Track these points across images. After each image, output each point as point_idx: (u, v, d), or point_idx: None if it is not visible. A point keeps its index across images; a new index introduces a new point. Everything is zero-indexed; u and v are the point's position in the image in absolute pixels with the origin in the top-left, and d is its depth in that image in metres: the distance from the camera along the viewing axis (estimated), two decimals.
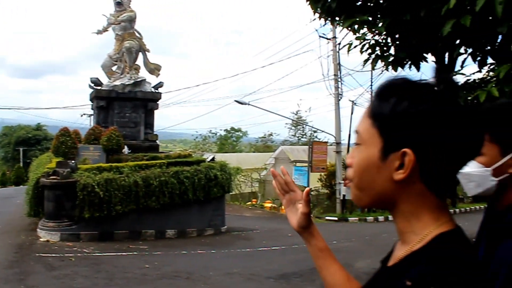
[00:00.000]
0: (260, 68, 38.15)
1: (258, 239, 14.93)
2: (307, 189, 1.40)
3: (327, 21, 8.20)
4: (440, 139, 0.94)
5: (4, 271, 8.99)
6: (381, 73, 21.39)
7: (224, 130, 59.20)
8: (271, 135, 51.81)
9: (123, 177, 13.22)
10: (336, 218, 22.21)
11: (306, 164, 24.16)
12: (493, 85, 4.43)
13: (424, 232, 0.97)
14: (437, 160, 0.95)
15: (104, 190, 12.66)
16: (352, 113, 24.34)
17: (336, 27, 19.20)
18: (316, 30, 23.10)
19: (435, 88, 0.98)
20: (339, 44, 22.05)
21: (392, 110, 0.97)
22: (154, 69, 18.95)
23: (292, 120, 43.18)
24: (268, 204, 27.15)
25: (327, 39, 23.33)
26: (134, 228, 13.67)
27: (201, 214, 15.31)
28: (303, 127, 46.62)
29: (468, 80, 5.82)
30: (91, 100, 18.65)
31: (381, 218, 22.01)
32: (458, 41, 5.86)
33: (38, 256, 10.34)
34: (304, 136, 46.64)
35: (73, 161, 13.69)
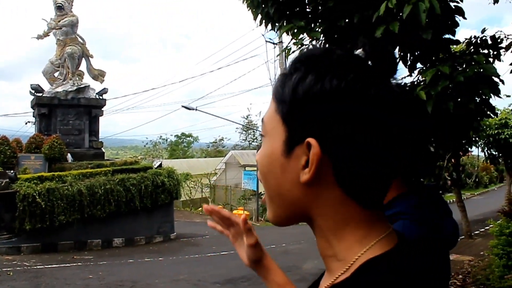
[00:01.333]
0: (209, 72, 38.09)
1: (207, 244, 14.87)
2: (243, 216, 1.15)
3: (268, 26, 8.28)
4: (358, 127, 0.68)
5: None
6: None
7: (175, 135, 58.79)
8: (222, 140, 51.76)
9: (67, 186, 12.90)
10: None
11: (255, 168, 24.27)
12: (421, 88, 4.59)
13: (349, 257, 0.72)
14: (354, 156, 0.69)
15: (46, 200, 12.31)
16: None
17: (276, 32, 19.39)
18: (263, 35, 23.27)
19: (364, 62, 0.74)
20: (286, 48, 22.22)
21: (294, 88, 0.72)
22: (98, 75, 18.61)
23: (242, 125, 43.32)
24: None
25: (274, 43, 23.53)
26: (79, 238, 13.35)
27: (149, 222, 15.12)
28: (253, 131, 46.83)
29: (400, 83, 6.00)
30: (32, 107, 18.11)
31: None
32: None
33: None
34: (255, 140, 46.86)
35: (12, 171, 13.24)
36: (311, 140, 0.69)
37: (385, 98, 0.70)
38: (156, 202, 14.89)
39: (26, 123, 50.01)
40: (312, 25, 7.03)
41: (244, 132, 47.22)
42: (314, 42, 7.18)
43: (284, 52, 6.99)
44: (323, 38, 7.00)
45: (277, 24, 7.87)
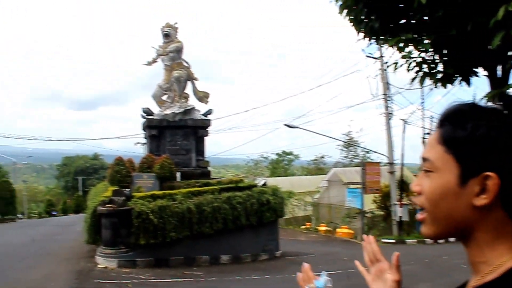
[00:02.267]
0: (308, 90, 38.10)
1: (313, 263, 14.33)
2: (396, 253, 1.30)
3: (372, 41, 8.13)
4: None
5: None
6: (431, 90, 20.97)
7: (276, 154, 59.29)
8: (323, 157, 51.36)
9: (177, 204, 13.39)
10: (393, 241, 21.58)
11: (360, 186, 23.73)
12: None
13: (498, 262, 0.92)
14: None
15: (158, 217, 12.86)
16: (404, 132, 23.76)
17: (381, 47, 18.99)
18: (363, 50, 22.92)
19: (504, 112, 0.97)
20: (386, 63, 21.76)
21: (470, 135, 0.94)
22: (203, 97, 19.31)
23: (343, 141, 42.69)
24: (322, 228, 26.79)
25: (374, 58, 23.10)
26: (188, 254, 13.77)
27: (255, 239, 15.27)
28: (355, 148, 46.01)
29: None
30: (143, 129, 19.17)
31: (440, 240, 21.27)
32: (510, 53, 5.67)
33: (96, 283, 10.58)
34: (357, 157, 45.98)
35: (128, 189, 14.02)
36: (491, 173, 0.91)
37: None
38: (262, 220, 15.02)
39: (135, 144, 53.03)
40: (421, 36, 6.80)
41: (345, 149, 46.56)
42: (423, 55, 6.95)
43: (389, 66, 6.81)
44: (432, 50, 6.74)
45: (381, 38, 7.71)
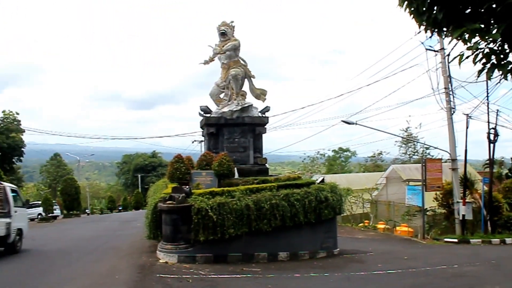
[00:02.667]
0: (365, 86, 37.41)
1: (373, 262, 14.46)
2: None
3: (434, 33, 7.86)
4: None
5: None
6: (499, 82, 20.09)
7: (332, 150, 58.90)
8: (380, 154, 50.54)
9: (235, 201, 13.50)
10: (456, 240, 20.93)
11: (420, 183, 23.14)
12: None
13: None
14: None
15: (217, 213, 13.00)
16: (467, 127, 22.90)
17: (444, 38, 18.29)
18: (422, 43, 22.29)
19: None
20: (448, 55, 21.01)
21: None
22: (260, 94, 19.35)
23: (402, 137, 41.76)
24: (381, 226, 26.36)
25: (435, 51, 22.42)
26: (246, 251, 13.85)
27: (313, 237, 15.19)
28: (414, 145, 44.93)
29: None
30: (201, 127, 19.44)
31: (508, 240, 20.41)
32: None
33: (158, 277, 10.81)
34: (416, 154, 44.92)
35: (187, 186, 14.26)
36: None
37: None
38: (320, 217, 14.90)
39: (192, 142, 54.02)
40: (489, 26, 6.49)
41: (404, 145, 45.58)
42: (491, 45, 6.65)
43: (456, 59, 6.56)
44: (500, 40, 6.43)
45: (444, 29, 7.44)
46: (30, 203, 22.49)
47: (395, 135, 36.66)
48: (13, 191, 16.26)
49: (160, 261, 13.06)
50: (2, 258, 14.07)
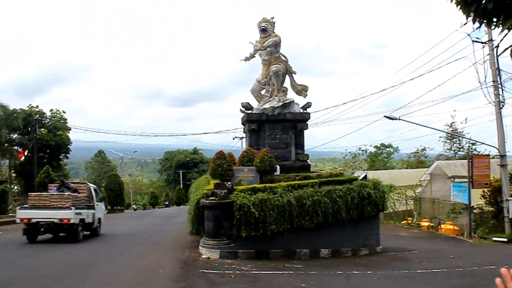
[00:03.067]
0: (408, 81, 36.57)
1: (417, 260, 14.19)
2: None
3: (482, 24, 7.62)
4: None
5: (173, 285, 9.74)
6: None
7: (374, 146, 58.04)
8: (424, 150, 49.39)
9: (277, 197, 13.50)
10: (505, 239, 20.25)
11: (466, 180, 22.52)
12: None
13: None
14: None
15: (259, 210, 13.04)
16: None
17: (493, 30, 17.67)
18: (468, 35, 21.64)
19: None
20: (497, 47, 20.24)
21: None
22: (301, 90, 19.25)
23: (447, 133, 40.75)
24: (425, 223, 25.85)
25: (482, 43, 21.74)
26: (288, 247, 13.85)
27: (355, 234, 15.03)
28: (459, 140, 43.78)
29: None
30: (242, 123, 19.50)
31: None
32: None
33: (201, 272, 10.97)
34: (461, 150, 43.77)
35: (229, 183, 14.35)
36: None
37: None
38: (362, 214, 14.73)
39: (233, 138, 54.33)
40: None
41: (448, 141, 44.48)
42: None
43: (507, 51, 6.34)
44: None
45: (494, 20, 7.20)
46: None
47: (439, 130, 35.84)
48: (94, 189, 20.33)
49: (203, 256, 13.22)
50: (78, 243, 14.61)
